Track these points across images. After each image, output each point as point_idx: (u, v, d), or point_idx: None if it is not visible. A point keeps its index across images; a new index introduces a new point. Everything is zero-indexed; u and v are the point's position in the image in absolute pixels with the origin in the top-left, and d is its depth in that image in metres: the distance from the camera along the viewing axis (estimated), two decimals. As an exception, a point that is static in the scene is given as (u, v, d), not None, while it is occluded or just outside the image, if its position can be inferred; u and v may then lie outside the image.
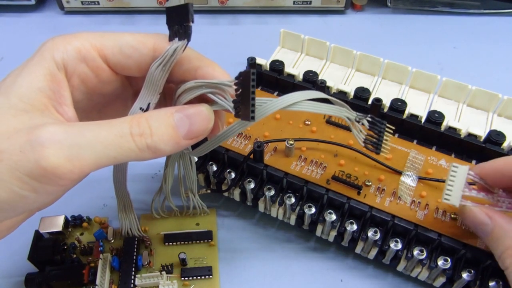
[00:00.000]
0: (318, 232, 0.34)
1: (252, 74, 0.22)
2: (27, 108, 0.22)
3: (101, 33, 0.25)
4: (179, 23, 0.24)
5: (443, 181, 0.32)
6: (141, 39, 0.25)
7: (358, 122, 0.28)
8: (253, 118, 0.22)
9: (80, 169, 0.21)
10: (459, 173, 0.28)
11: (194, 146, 0.27)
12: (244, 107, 0.23)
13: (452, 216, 0.31)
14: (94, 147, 0.21)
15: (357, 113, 0.28)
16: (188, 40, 0.24)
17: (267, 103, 0.24)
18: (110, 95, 0.28)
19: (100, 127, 0.22)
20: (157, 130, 0.22)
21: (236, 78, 0.23)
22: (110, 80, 0.26)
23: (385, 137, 0.29)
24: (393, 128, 0.29)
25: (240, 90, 0.23)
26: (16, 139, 0.20)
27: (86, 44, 0.25)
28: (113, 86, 0.27)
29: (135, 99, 0.26)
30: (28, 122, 0.21)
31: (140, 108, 0.25)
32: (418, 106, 0.40)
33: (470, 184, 0.28)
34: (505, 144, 0.35)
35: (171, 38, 0.25)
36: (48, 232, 0.34)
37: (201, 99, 0.25)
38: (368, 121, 0.28)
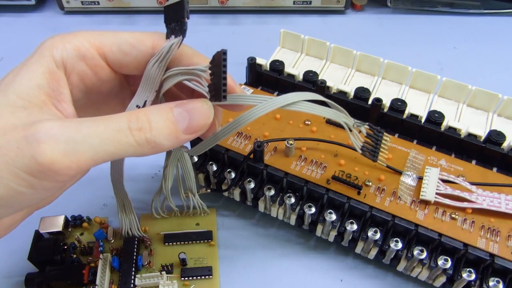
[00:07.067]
0: (318, 232, 0.34)
1: (223, 54, 0.22)
2: (26, 105, 0.22)
3: (100, 32, 0.25)
4: (175, 20, 0.24)
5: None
6: (140, 37, 0.25)
7: (356, 129, 0.28)
8: (224, 97, 0.22)
9: (78, 164, 0.21)
10: (432, 174, 0.33)
11: (192, 144, 0.27)
12: (216, 87, 0.23)
13: (452, 216, 0.31)
14: (91, 142, 0.21)
15: (355, 120, 0.28)
16: (183, 36, 0.24)
17: (267, 101, 0.24)
18: (108, 93, 0.27)
19: (98, 122, 0.21)
20: (157, 125, 0.22)
21: (210, 62, 0.23)
22: (108, 79, 0.26)
23: (382, 145, 0.29)
24: (390, 137, 0.30)
25: (213, 72, 0.23)
26: (12, 135, 0.20)
27: (85, 42, 0.24)
28: (112, 85, 0.27)
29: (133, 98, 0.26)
30: (26, 118, 0.21)
31: (137, 106, 0.25)
32: (418, 106, 0.40)
33: (445, 182, 0.32)
34: (505, 144, 0.35)
35: (168, 36, 0.25)
36: (48, 232, 0.34)
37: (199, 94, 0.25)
38: (366, 129, 0.28)
